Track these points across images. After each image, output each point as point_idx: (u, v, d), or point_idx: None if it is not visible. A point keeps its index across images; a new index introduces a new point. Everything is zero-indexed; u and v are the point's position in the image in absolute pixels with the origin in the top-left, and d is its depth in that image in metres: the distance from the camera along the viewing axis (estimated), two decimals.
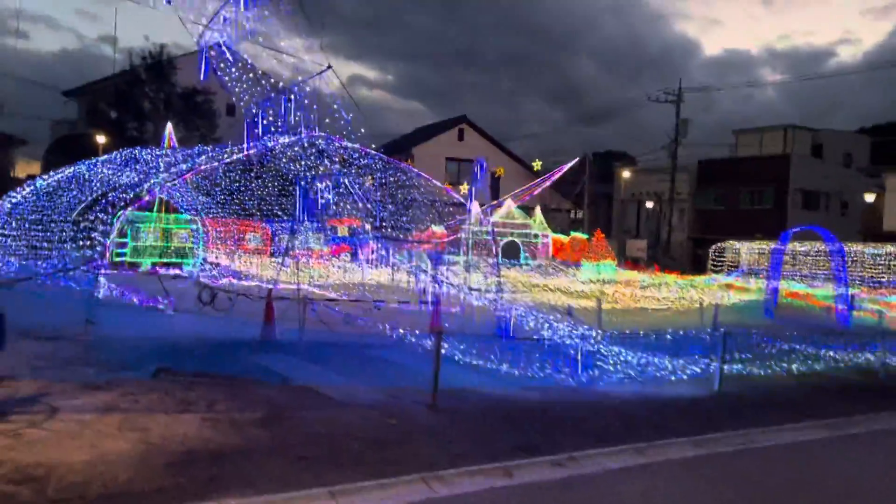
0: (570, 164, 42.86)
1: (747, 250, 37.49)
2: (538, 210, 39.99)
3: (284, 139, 12.75)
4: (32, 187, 20.70)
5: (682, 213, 51.79)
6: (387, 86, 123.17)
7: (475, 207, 24.72)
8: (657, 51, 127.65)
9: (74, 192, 19.17)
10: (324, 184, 14.57)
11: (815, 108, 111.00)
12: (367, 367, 10.42)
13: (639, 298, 20.94)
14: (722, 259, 38.29)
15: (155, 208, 26.63)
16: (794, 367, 11.64)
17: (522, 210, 38.78)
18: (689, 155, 50.80)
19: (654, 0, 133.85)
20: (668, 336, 11.00)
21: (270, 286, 13.26)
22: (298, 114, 11.41)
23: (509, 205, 37.51)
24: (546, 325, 10.84)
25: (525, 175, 48.83)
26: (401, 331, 10.08)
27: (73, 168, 20.32)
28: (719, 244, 38.52)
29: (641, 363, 10.66)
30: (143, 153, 19.13)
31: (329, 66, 10.45)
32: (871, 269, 26.62)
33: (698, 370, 10.62)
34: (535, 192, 39.42)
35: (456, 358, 10.13)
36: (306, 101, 11.23)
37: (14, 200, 20.32)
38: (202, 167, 13.78)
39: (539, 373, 10.07)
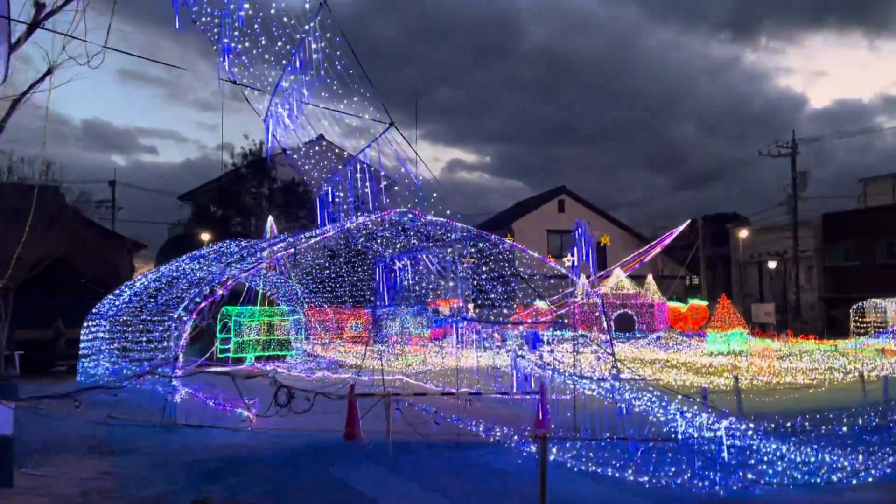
0: (679, 229, 40.34)
1: (895, 308, 33.50)
2: (650, 278, 37.50)
3: (363, 217, 11.57)
4: (129, 289, 20.62)
5: (809, 272, 47.56)
6: (485, 167, 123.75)
7: (582, 278, 22.80)
8: (761, 107, 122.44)
9: (164, 292, 18.81)
10: (411, 262, 13.28)
11: None
12: (462, 476, 8.69)
13: (779, 372, 18.09)
14: (864, 320, 34.38)
15: (258, 302, 26.20)
16: None
17: (633, 279, 36.42)
18: (808, 210, 47.01)
19: (752, 58, 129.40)
20: (843, 426, 8.65)
21: (352, 382, 11.87)
22: (367, 186, 10.24)
23: (619, 275, 35.25)
24: (678, 417, 8.79)
25: (633, 243, 46.47)
26: (499, 433, 8.33)
27: (167, 266, 20.12)
28: (860, 303, 34.69)
29: (808, 461, 8.38)
30: (231, 246, 18.64)
31: (392, 124, 9.17)
32: None
33: (887, 469, 8.20)
34: (646, 260, 37.07)
35: (568, 464, 8.24)
36: (373, 169, 10.07)
37: (117, 303, 20.25)
38: (277, 255, 12.82)
39: (675, 480, 8.00)
